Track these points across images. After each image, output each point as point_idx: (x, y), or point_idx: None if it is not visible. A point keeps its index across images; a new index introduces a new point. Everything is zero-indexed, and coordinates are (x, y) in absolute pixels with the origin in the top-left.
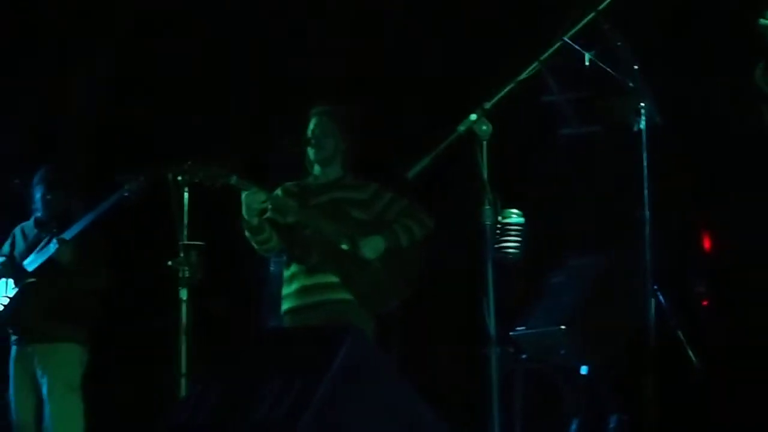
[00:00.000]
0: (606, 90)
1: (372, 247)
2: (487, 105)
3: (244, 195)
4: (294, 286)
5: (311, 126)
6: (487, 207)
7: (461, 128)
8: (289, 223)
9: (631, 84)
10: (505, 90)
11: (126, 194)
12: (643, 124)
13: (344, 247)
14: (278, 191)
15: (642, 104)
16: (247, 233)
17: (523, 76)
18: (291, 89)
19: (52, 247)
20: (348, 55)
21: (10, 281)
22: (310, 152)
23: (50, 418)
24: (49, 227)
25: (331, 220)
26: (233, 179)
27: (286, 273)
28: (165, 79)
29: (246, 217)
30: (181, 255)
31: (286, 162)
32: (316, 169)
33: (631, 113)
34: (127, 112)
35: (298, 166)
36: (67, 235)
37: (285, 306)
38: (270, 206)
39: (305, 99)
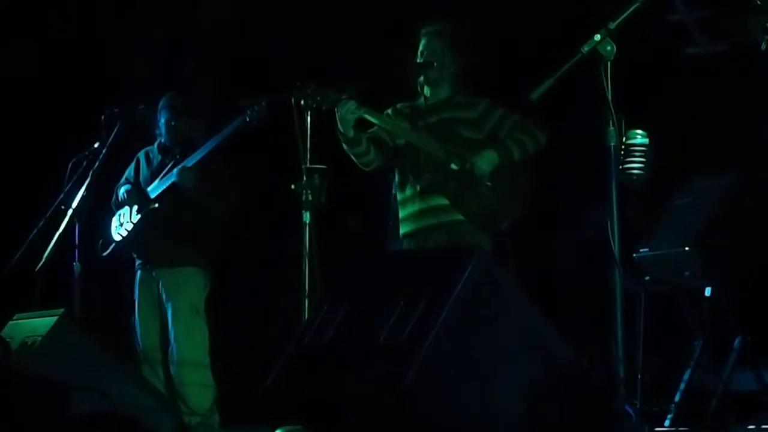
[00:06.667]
0: (732, 8)
1: (486, 161)
2: (612, 25)
3: (337, 108)
4: (409, 210)
5: (420, 47)
6: (611, 128)
7: (585, 49)
8: (400, 145)
9: (758, 1)
10: (630, 9)
11: (248, 119)
12: None
13: (454, 167)
14: (389, 111)
15: None
16: (344, 146)
17: None
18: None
19: (174, 174)
20: None
21: (135, 207)
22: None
23: (175, 341)
24: (172, 153)
25: (440, 141)
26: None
27: (401, 196)
28: (284, 5)
29: (341, 129)
30: (304, 178)
31: (402, 83)
32: (426, 89)
33: (759, 31)
34: (249, 38)
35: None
36: (189, 162)
37: (403, 230)
38: (382, 126)
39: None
